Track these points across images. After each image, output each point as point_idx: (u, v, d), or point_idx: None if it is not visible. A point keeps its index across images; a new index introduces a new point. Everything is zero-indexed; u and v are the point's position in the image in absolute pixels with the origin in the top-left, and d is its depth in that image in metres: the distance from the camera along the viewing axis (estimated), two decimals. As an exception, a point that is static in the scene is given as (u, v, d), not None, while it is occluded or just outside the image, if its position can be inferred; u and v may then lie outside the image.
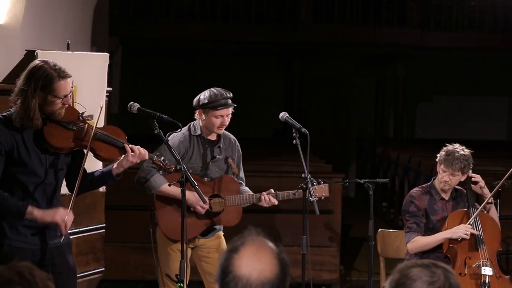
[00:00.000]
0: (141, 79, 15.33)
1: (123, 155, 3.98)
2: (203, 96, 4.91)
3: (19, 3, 6.65)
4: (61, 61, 5.15)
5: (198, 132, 4.93)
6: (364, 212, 7.25)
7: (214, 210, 4.87)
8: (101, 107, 4.14)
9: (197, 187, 4.18)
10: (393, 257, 5.38)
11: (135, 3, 13.67)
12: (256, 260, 2.07)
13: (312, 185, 4.89)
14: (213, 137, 4.98)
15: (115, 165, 4.01)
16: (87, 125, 3.94)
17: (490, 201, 5.02)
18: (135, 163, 4.02)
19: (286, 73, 15.24)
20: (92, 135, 3.89)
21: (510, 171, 4.94)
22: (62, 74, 3.83)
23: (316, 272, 6.63)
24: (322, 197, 5.00)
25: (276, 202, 4.92)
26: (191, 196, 4.73)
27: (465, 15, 13.96)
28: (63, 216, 3.82)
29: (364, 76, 16.04)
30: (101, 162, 4.54)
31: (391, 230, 5.56)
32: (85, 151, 3.88)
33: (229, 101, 4.88)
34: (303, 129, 4.73)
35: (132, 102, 4.27)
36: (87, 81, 5.21)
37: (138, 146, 4.01)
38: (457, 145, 4.97)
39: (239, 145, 5.07)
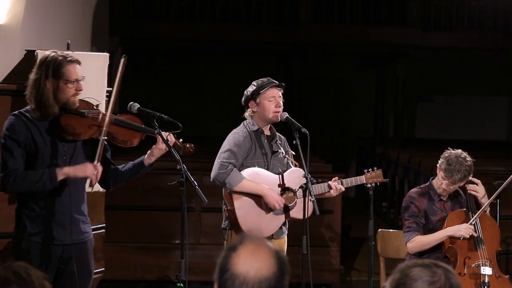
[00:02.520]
0: (141, 79, 15.32)
1: (140, 138, 4.05)
2: (250, 88, 4.91)
3: (19, 3, 6.65)
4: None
5: (256, 127, 4.89)
6: (364, 212, 7.26)
7: (287, 204, 4.81)
8: (112, 95, 4.13)
9: (197, 187, 4.16)
10: (393, 257, 5.38)
11: (135, 3, 13.66)
12: (253, 259, 2.07)
13: (369, 174, 4.96)
14: (268, 132, 4.95)
15: (146, 156, 4.10)
16: (102, 112, 4.02)
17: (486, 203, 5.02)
18: (165, 151, 4.07)
19: (286, 73, 15.23)
20: (107, 119, 3.95)
21: (507, 181, 4.95)
22: (69, 58, 3.94)
23: (316, 272, 6.62)
24: (378, 183, 5.05)
25: (343, 189, 4.92)
26: (271, 191, 4.74)
27: (465, 15, 13.95)
28: (93, 170, 3.89)
29: (364, 76, 16.03)
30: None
31: (391, 230, 5.56)
32: (102, 134, 3.93)
33: (275, 83, 4.88)
34: (303, 129, 4.73)
35: (132, 102, 4.27)
36: (87, 81, 5.20)
37: (165, 132, 4.08)
38: (459, 152, 4.91)
39: (287, 144, 5.03)
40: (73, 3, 9.23)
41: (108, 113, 3.97)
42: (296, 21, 13.66)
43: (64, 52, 4.03)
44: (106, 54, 5.53)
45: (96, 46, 10.36)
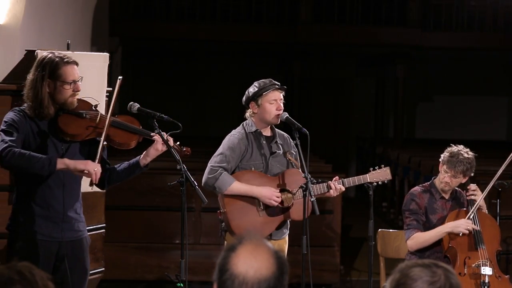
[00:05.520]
0: (141, 79, 15.33)
1: (137, 141, 4.04)
2: (251, 89, 4.87)
3: (19, 3, 6.65)
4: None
5: (254, 128, 4.86)
6: (364, 212, 7.25)
7: (285, 205, 4.78)
8: (114, 95, 4.11)
9: (197, 187, 4.16)
10: (393, 257, 5.38)
11: (135, 3, 13.67)
12: (252, 258, 2.08)
13: (375, 172, 4.93)
14: (268, 132, 4.92)
15: (142, 156, 4.08)
16: (100, 113, 4.02)
17: (482, 203, 5.02)
18: (161, 152, 4.06)
19: (286, 73, 15.23)
20: (107, 121, 3.94)
21: (499, 171, 4.96)
22: (66, 59, 3.94)
23: (316, 272, 6.63)
24: (386, 181, 5.01)
25: (343, 189, 4.88)
26: (262, 190, 4.71)
27: (465, 15, 13.96)
28: (94, 166, 3.86)
29: (364, 76, 16.03)
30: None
31: (391, 230, 5.56)
32: (102, 137, 3.93)
33: (277, 86, 4.84)
34: (303, 129, 4.72)
35: (132, 102, 4.27)
36: (87, 81, 5.20)
37: (164, 132, 4.07)
38: (461, 147, 4.96)
39: (292, 141, 4.96)
40: (73, 3, 9.24)
41: (108, 116, 3.97)
42: (296, 21, 13.66)
43: (62, 52, 4.03)
44: (106, 54, 5.52)
45: (96, 46, 10.37)
